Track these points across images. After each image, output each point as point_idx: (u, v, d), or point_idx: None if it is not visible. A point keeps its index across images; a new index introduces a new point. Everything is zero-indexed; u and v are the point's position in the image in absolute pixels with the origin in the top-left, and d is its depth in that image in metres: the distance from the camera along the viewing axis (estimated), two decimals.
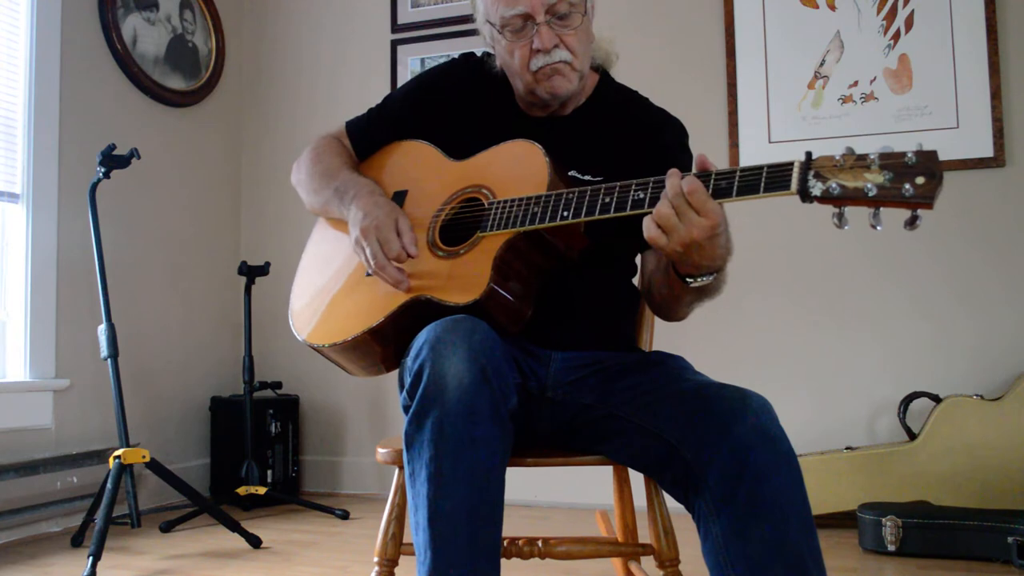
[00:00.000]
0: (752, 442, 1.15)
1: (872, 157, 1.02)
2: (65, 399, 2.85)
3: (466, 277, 1.33)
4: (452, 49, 3.41)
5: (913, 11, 2.90)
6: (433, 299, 1.34)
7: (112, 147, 2.54)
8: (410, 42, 3.51)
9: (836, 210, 1.05)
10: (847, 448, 2.70)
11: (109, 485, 2.37)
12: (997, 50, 2.80)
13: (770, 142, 3.02)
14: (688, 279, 1.26)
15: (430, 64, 3.43)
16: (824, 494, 2.61)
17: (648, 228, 1.17)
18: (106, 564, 2.32)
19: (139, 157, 2.58)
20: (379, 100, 1.70)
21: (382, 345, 1.42)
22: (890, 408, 2.82)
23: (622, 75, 1.63)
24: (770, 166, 1.09)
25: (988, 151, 2.79)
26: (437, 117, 1.58)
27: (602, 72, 1.59)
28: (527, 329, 1.40)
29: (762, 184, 1.09)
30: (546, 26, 1.42)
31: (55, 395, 2.82)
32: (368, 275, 1.47)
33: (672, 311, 1.43)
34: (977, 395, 2.64)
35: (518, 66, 1.46)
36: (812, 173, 1.05)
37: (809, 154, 1.07)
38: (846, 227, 1.05)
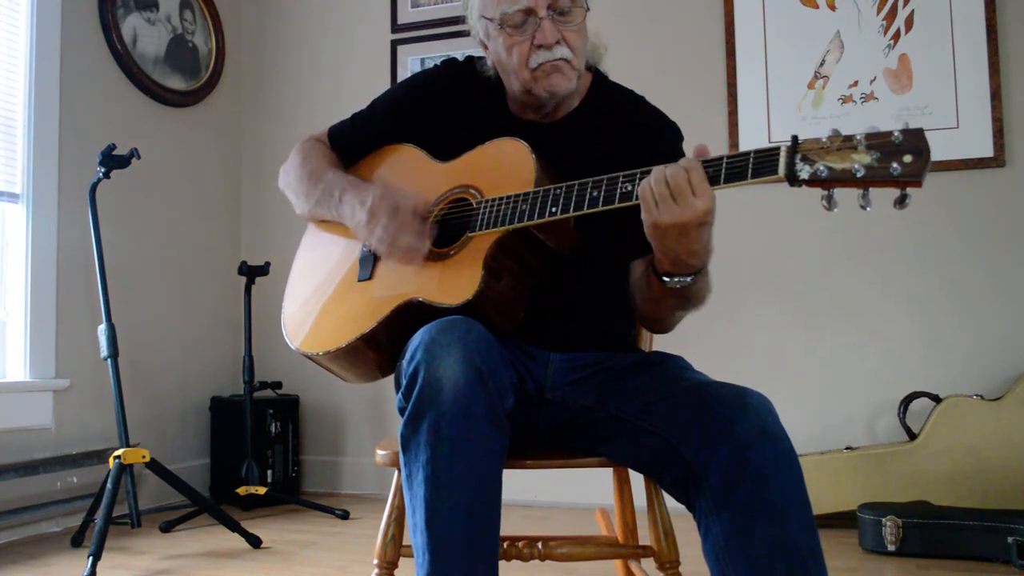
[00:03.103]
0: (752, 440, 1.15)
1: (859, 138, 1.02)
2: (65, 399, 2.85)
3: (457, 278, 1.33)
4: (452, 49, 3.40)
5: (913, 11, 2.90)
6: (425, 301, 1.33)
7: (112, 147, 2.54)
8: (410, 42, 3.51)
9: (825, 193, 1.05)
10: (847, 448, 2.70)
11: (109, 485, 2.37)
12: (997, 50, 2.80)
13: (770, 142, 3.01)
14: (665, 278, 1.25)
15: (430, 64, 3.43)
16: (824, 494, 2.61)
17: (643, 190, 1.16)
18: (106, 564, 2.32)
19: (139, 157, 2.58)
20: (363, 108, 1.69)
21: (376, 351, 1.41)
22: (890, 408, 2.82)
23: (621, 75, 1.61)
24: (757, 151, 1.09)
25: (988, 151, 2.79)
26: (424, 124, 1.57)
27: (594, 71, 1.57)
28: (524, 330, 1.39)
29: (750, 170, 1.09)
30: (548, 21, 1.40)
31: (55, 395, 2.82)
32: (360, 281, 1.47)
33: (655, 318, 1.42)
34: (977, 395, 2.64)
35: (516, 63, 1.43)
36: (799, 156, 1.05)
37: (795, 137, 1.07)
38: (835, 209, 1.05)
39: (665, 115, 1.53)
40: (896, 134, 1.00)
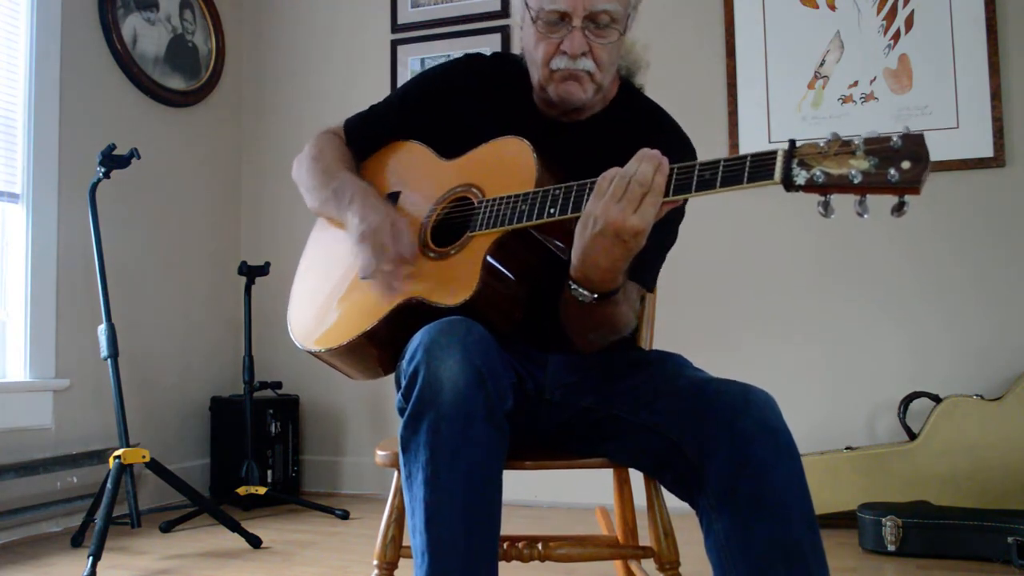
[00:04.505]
0: (754, 437, 1.14)
1: (857, 143, 1.00)
2: (65, 399, 2.85)
3: (457, 278, 1.33)
4: (452, 49, 3.41)
5: (913, 11, 2.90)
6: (425, 301, 1.33)
7: (112, 147, 2.54)
8: (410, 42, 3.51)
9: (821, 198, 1.03)
10: (847, 448, 2.70)
11: (109, 485, 2.37)
12: (997, 50, 2.80)
13: (770, 142, 3.01)
14: (571, 284, 1.25)
15: (430, 64, 3.43)
16: (824, 494, 2.61)
17: (603, 176, 1.17)
18: (106, 564, 2.32)
19: (139, 157, 2.58)
20: (379, 99, 1.69)
21: (378, 348, 1.42)
22: (890, 408, 2.82)
23: None
24: (753, 155, 1.07)
25: (988, 151, 2.79)
26: (442, 117, 1.56)
27: (624, 80, 1.56)
28: (524, 330, 1.39)
29: (745, 174, 1.07)
30: (580, 32, 1.38)
31: (55, 395, 2.82)
32: (362, 279, 1.47)
33: (568, 329, 1.38)
34: (977, 395, 2.64)
35: (539, 59, 1.43)
36: (796, 161, 1.03)
37: (793, 142, 1.05)
38: (832, 215, 1.03)
39: (686, 136, 1.52)
40: (895, 139, 0.98)
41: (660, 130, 1.52)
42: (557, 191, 1.27)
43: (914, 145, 0.97)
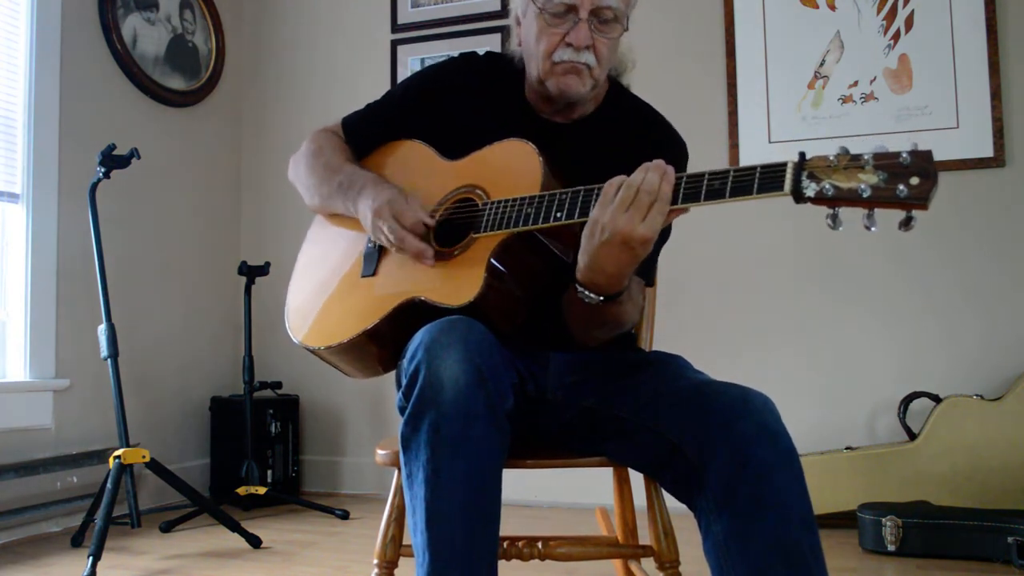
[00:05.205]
0: (753, 439, 1.15)
1: (866, 157, 1.02)
2: (65, 399, 2.85)
3: (460, 279, 1.33)
4: (452, 49, 3.41)
5: (913, 11, 2.90)
6: (427, 301, 1.33)
7: (112, 147, 2.54)
8: (410, 42, 3.51)
9: (830, 211, 1.05)
10: (847, 448, 2.70)
11: (109, 485, 2.37)
12: (997, 50, 2.80)
13: (770, 142, 3.01)
14: (578, 286, 1.27)
15: (430, 64, 3.43)
16: (824, 494, 2.61)
17: (610, 184, 1.19)
18: (106, 564, 2.32)
19: (139, 157, 2.58)
20: (378, 98, 1.69)
21: (378, 347, 1.42)
22: (890, 408, 2.82)
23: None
24: (763, 167, 1.09)
25: (988, 151, 2.79)
26: (439, 116, 1.56)
27: (612, 81, 1.57)
28: (525, 330, 1.39)
29: (755, 185, 1.09)
30: (586, 24, 1.40)
31: (55, 395, 2.82)
32: (364, 276, 1.47)
33: (572, 327, 1.40)
34: (977, 395, 2.64)
35: (541, 51, 1.43)
36: (806, 174, 1.05)
37: (803, 154, 1.06)
38: (840, 228, 1.05)
39: (676, 133, 1.54)
40: (904, 155, 1.00)
41: (649, 127, 1.53)
42: (564, 195, 1.27)
43: (923, 162, 0.99)
